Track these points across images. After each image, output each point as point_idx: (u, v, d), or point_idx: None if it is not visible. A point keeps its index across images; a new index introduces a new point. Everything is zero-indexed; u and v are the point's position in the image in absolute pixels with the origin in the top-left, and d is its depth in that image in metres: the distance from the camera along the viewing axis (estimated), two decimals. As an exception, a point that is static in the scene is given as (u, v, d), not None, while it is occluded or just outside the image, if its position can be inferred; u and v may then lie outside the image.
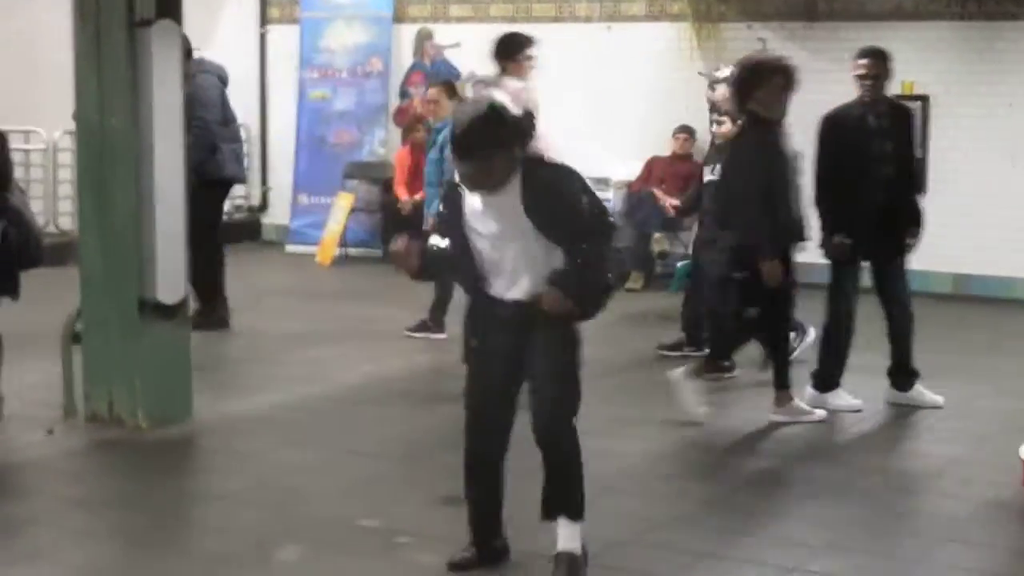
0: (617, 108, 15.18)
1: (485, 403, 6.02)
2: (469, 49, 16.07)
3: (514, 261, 5.79)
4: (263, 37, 17.57)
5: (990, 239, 13.73)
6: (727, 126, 10.01)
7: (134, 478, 7.70)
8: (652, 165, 14.82)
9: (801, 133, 11.41)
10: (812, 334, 10.03)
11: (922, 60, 14.01)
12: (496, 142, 5.58)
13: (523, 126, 5.68)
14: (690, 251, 14.31)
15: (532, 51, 9.87)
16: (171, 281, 8.59)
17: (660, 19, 15.32)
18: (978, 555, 6.60)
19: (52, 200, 15.55)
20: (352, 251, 16.09)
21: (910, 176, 9.41)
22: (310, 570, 6.17)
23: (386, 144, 16.52)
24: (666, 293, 13.72)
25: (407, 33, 16.64)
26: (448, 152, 10.15)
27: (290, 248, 16.59)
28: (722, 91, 10.22)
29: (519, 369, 5.91)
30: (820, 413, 8.85)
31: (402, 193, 14.80)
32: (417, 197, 13.49)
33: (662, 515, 7.01)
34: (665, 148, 14.81)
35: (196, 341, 9.11)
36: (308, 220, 16.60)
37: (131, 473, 7.81)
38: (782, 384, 8.87)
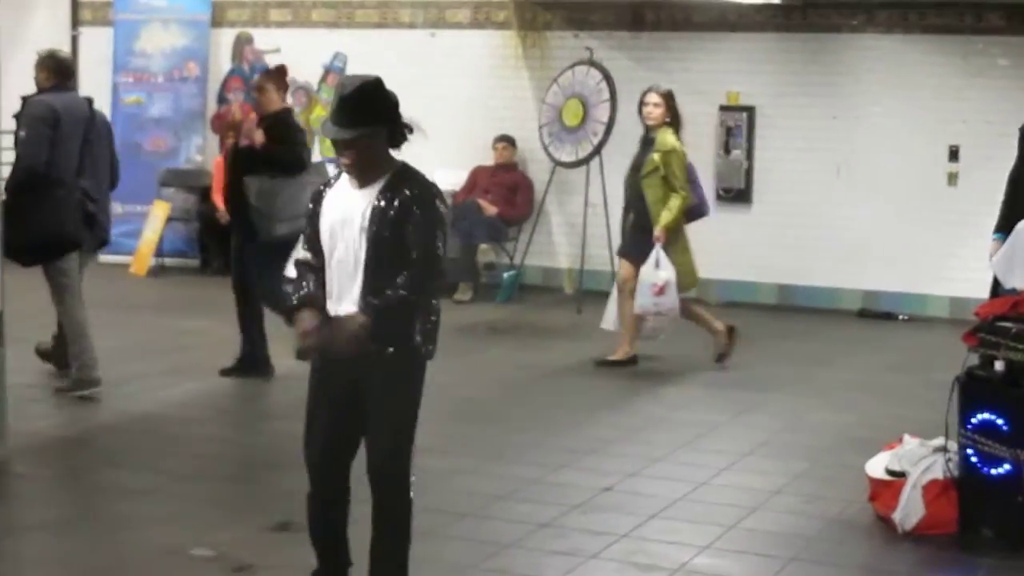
0: (441, 117, 14.92)
1: (322, 453, 5.50)
2: (288, 54, 15.74)
3: (352, 270, 5.34)
4: (75, 39, 16.96)
5: (814, 249, 13.78)
6: None
7: (-56, 506, 7.26)
8: (476, 175, 14.62)
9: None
10: None
11: (747, 71, 14.05)
12: (381, 117, 5.36)
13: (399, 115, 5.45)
14: (515, 261, 14.21)
15: None
16: (-17, 295, 8.16)
17: (485, 27, 15.13)
18: (827, 574, 6.50)
19: None
20: (168, 261, 15.63)
21: None
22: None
23: (203, 151, 16.08)
24: (493, 304, 13.60)
25: (225, 37, 16.22)
26: None
27: (104, 258, 16.01)
28: None
29: (355, 406, 5.43)
30: None
31: (220, 201, 14.34)
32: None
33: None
34: (489, 158, 14.62)
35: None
36: (122, 229, 15.96)
37: (-60, 500, 7.37)
38: None
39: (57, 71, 9.50)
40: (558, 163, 14.04)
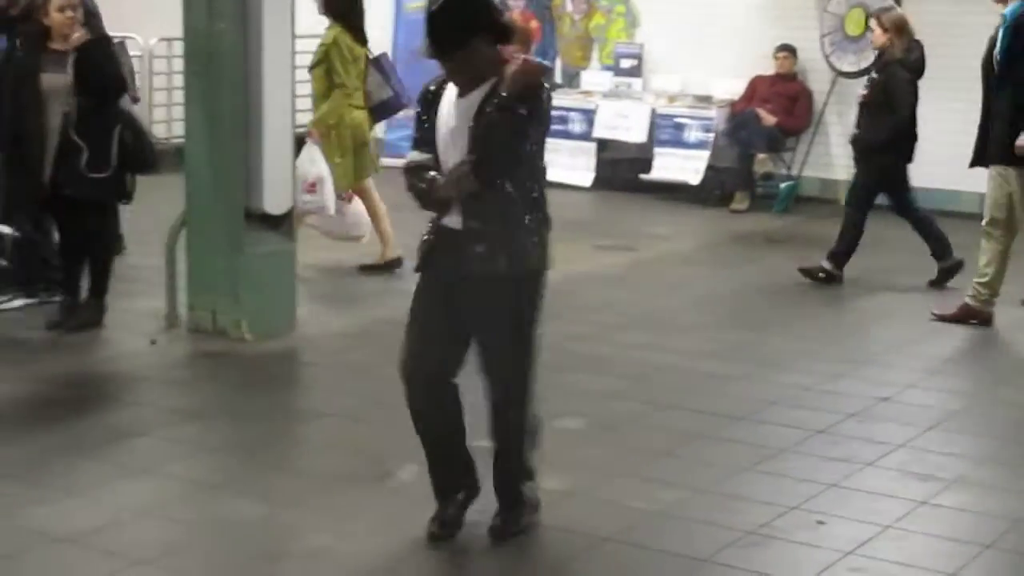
0: (720, 26, 14.83)
1: (423, 352, 5.57)
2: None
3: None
4: (360, -54, 17.28)
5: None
6: None
7: (240, 391, 7.60)
8: (755, 84, 14.49)
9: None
10: None
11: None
12: (470, 29, 5.05)
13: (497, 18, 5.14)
14: (793, 172, 14.10)
15: None
16: (278, 191, 8.48)
17: (767, -66, 14.93)
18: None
19: (147, 108, 15.41)
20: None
21: None
22: (428, 490, 5.99)
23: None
24: (770, 214, 13.54)
25: (508, -56, 16.35)
26: None
27: (386, 161, 16.34)
28: None
29: (457, 319, 5.45)
30: None
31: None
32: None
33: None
34: (769, 67, 14.48)
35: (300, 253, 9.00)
36: (404, 133, 16.35)
37: (236, 386, 7.71)
38: None
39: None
40: (840, 73, 13.84)
